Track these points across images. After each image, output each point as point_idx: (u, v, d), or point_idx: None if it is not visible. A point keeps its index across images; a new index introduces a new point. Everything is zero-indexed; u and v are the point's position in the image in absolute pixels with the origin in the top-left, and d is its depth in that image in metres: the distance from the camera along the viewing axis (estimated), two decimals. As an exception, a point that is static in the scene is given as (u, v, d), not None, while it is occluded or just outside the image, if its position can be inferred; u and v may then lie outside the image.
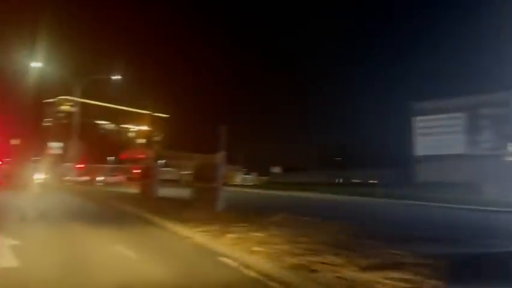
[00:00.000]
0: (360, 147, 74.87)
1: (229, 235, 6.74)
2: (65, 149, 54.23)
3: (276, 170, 61.54)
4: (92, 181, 43.25)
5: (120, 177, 53.60)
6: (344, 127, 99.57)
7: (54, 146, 50.31)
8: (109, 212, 12.21)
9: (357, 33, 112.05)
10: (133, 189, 25.32)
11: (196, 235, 7.21)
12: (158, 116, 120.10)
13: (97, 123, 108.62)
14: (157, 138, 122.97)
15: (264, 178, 71.19)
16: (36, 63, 28.53)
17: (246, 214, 9.61)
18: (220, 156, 10.28)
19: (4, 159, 76.24)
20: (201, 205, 10.00)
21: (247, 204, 14.43)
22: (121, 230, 8.62)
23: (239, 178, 61.78)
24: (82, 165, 46.49)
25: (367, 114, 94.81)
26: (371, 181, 71.26)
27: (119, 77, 33.38)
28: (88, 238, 7.52)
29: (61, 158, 61.92)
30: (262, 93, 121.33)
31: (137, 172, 63.85)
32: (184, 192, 23.82)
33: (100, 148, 79.01)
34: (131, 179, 56.77)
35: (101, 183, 39.53)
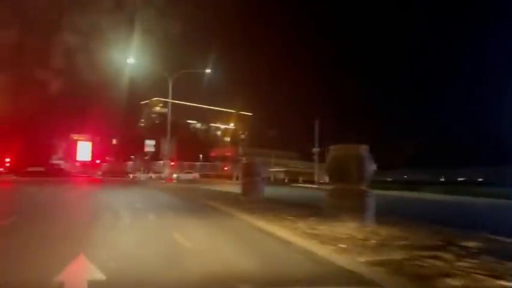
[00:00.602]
0: (467, 141, 66.62)
1: (448, 280, 3.75)
2: (158, 147, 55.44)
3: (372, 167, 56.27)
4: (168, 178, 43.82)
5: (194, 174, 53.99)
6: (448, 117, 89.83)
7: (149, 145, 51.54)
8: (212, 218, 9.90)
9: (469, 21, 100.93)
10: (222, 188, 23.51)
11: (367, 270, 4.33)
12: (244, 114, 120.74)
13: (188, 123, 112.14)
14: (242, 136, 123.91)
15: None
16: (131, 60, 28.73)
17: (413, 231, 6.56)
18: (365, 148, 7.33)
19: (105, 158, 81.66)
20: (342, 215, 7.12)
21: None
22: (239, 245, 6.12)
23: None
24: (174, 163, 46.91)
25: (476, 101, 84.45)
26: (479, 179, 62.99)
27: (210, 70, 32.58)
28: (200, 261, 5.07)
29: (155, 157, 63.90)
30: (353, 89, 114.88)
31: (227, 169, 63.96)
32: (285, 192, 21.28)
33: (190, 146, 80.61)
34: (208, 176, 56.87)
35: (176, 180, 39.34)
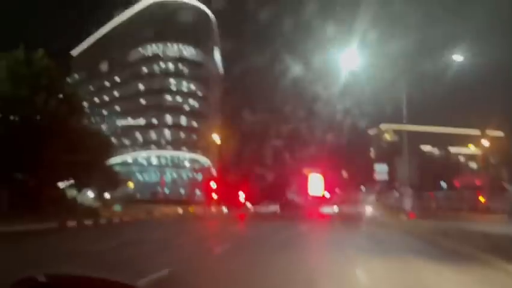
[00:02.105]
0: None
1: None
2: (391, 175, 48.03)
3: None
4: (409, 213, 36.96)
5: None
6: None
7: (380, 171, 44.78)
8: None
9: None
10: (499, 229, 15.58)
11: None
12: (491, 135, 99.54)
13: (421, 149, 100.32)
14: (493, 161, 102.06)
15: None
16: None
17: None
18: None
19: (335, 191, 79.41)
20: None
21: None
22: None
23: None
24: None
25: None
26: None
27: (460, 59, 24.43)
28: None
29: (389, 185, 56.80)
30: None
31: (484, 201, 50.82)
32: None
33: (427, 174, 69.82)
34: (458, 210, 45.06)
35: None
